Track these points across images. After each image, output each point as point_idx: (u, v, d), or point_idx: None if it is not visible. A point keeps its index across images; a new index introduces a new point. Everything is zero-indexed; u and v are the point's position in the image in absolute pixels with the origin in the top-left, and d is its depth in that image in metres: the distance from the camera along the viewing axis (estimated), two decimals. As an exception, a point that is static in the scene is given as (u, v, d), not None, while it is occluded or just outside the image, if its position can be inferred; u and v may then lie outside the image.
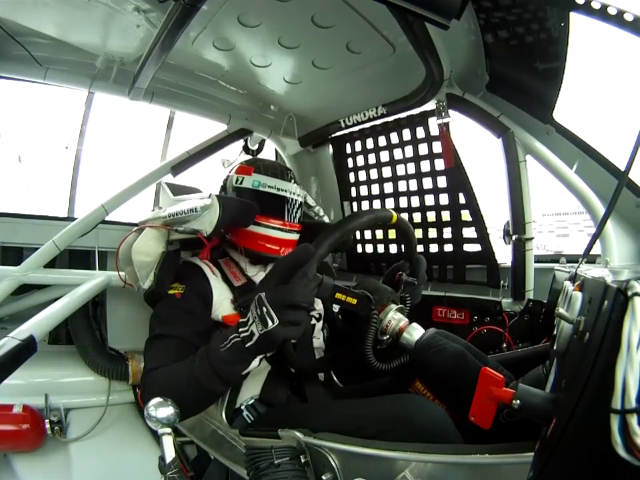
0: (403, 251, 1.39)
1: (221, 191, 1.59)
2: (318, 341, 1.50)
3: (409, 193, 2.00)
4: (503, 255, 1.78)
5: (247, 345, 0.98)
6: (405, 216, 1.29)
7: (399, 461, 0.84)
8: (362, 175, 2.20)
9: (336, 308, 1.62)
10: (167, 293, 1.33)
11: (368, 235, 2.25)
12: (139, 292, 1.42)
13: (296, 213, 1.52)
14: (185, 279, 1.35)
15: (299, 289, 0.97)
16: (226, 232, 1.48)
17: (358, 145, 2.16)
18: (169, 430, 1.14)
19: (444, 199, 1.90)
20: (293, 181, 1.54)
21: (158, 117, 2.42)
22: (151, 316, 1.31)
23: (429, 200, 1.95)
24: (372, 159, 2.11)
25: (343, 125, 1.99)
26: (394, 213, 1.23)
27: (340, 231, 1.12)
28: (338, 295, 1.12)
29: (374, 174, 2.14)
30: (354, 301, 1.14)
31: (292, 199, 1.51)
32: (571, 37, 1.20)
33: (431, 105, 1.69)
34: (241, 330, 1.00)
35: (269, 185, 1.48)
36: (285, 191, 1.49)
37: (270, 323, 0.94)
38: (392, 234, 2.12)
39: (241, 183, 1.50)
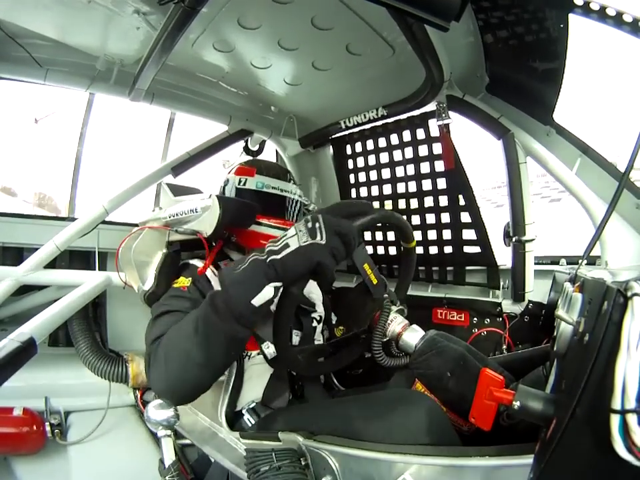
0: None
1: (220, 192, 1.59)
2: (319, 343, 1.51)
3: (408, 195, 2.00)
4: (504, 256, 1.78)
5: (269, 259, 0.91)
6: (404, 217, 1.31)
7: (399, 464, 0.84)
8: (362, 176, 2.19)
9: (333, 319, 1.63)
10: (172, 287, 1.33)
11: (368, 236, 2.25)
12: (139, 293, 1.42)
13: (297, 212, 1.54)
14: (189, 277, 1.35)
15: (354, 227, 0.96)
16: (230, 234, 1.48)
17: (358, 146, 2.15)
18: (169, 432, 1.14)
19: (444, 200, 1.89)
20: (292, 182, 1.57)
21: (159, 118, 2.43)
22: (153, 306, 1.31)
23: (429, 201, 1.94)
24: (372, 160, 2.11)
25: (343, 126, 1.99)
26: (414, 240, 1.28)
27: (389, 214, 1.19)
28: (365, 266, 1.11)
29: (374, 175, 2.13)
30: (375, 281, 1.12)
31: (294, 200, 1.53)
32: (570, 38, 1.20)
33: (431, 107, 1.69)
34: (269, 246, 0.94)
35: (273, 186, 1.50)
36: (288, 191, 1.52)
37: (318, 237, 0.90)
38: (391, 236, 2.12)
39: (244, 185, 1.51)
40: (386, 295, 1.17)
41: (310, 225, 0.93)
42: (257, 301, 0.91)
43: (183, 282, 1.32)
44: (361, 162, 2.18)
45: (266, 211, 1.45)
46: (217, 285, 1.35)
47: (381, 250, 2.20)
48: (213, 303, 0.95)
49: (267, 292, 0.92)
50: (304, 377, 1.38)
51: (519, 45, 1.34)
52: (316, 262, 0.90)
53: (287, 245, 0.91)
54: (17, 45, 1.51)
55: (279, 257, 0.90)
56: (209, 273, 1.37)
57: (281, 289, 0.96)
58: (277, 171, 1.57)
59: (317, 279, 0.96)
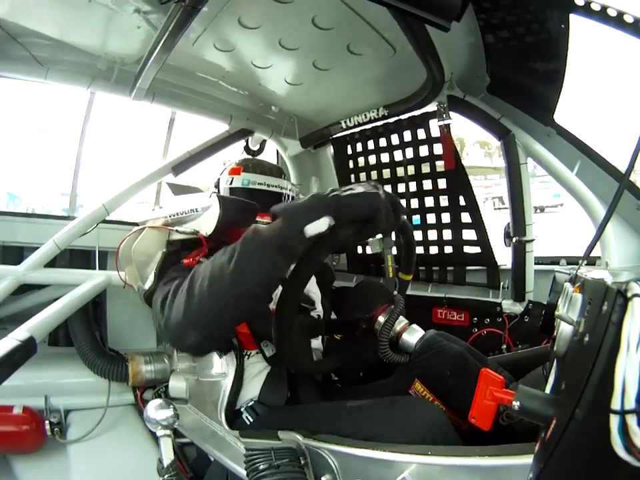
0: (402, 254, 1.40)
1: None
2: (316, 342, 1.50)
3: (409, 195, 2.00)
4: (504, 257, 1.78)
5: (331, 195, 0.91)
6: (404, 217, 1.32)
7: (399, 463, 0.84)
8: (363, 176, 2.20)
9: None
10: (179, 265, 1.32)
11: (368, 236, 2.24)
12: (139, 292, 1.42)
13: None
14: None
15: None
16: (222, 234, 1.47)
17: (359, 146, 2.16)
18: (168, 432, 1.14)
19: (444, 200, 1.90)
20: (282, 177, 1.57)
21: (159, 117, 2.43)
22: (158, 290, 1.26)
23: (429, 201, 1.95)
24: (372, 160, 2.12)
25: (343, 126, 1.99)
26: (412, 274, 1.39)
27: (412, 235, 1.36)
28: (389, 257, 1.15)
29: (374, 175, 2.14)
30: (391, 274, 1.15)
31: (284, 194, 1.54)
32: (571, 38, 1.20)
33: (431, 107, 1.69)
34: (332, 188, 0.95)
35: (259, 182, 1.51)
36: (276, 186, 1.53)
37: (381, 192, 0.94)
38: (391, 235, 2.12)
39: (231, 183, 1.53)
40: (395, 292, 1.18)
41: (372, 183, 0.97)
42: (310, 229, 0.88)
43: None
44: (361, 162, 2.18)
45: (260, 208, 1.45)
46: None
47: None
48: (256, 231, 0.92)
49: (322, 223, 0.88)
50: (300, 375, 1.37)
51: (519, 46, 1.34)
52: (376, 208, 0.91)
53: (352, 189, 0.93)
54: (18, 43, 1.51)
55: (342, 194, 0.91)
56: None
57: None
58: (264, 167, 1.59)
59: (366, 230, 0.95)
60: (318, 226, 0.88)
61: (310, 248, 0.92)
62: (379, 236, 1.14)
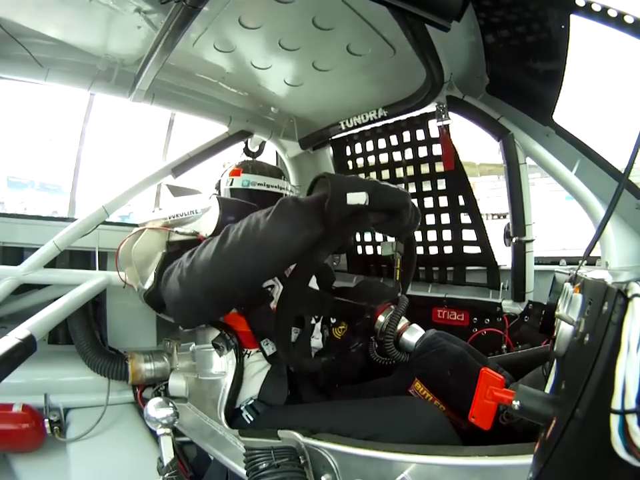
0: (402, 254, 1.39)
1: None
2: (317, 341, 1.50)
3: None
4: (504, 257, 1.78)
5: (372, 180, 1.03)
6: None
7: (399, 463, 0.84)
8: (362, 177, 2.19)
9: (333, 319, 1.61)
10: None
11: (368, 236, 2.25)
12: (139, 292, 1.42)
13: None
14: None
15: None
16: None
17: (358, 147, 2.16)
18: (168, 430, 1.15)
19: (443, 201, 1.90)
20: (282, 177, 1.58)
21: (159, 118, 2.43)
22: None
23: (429, 202, 1.95)
24: (372, 160, 2.12)
25: (343, 127, 1.99)
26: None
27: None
28: (399, 261, 1.25)
29: (374, 176, 2.14)
30: (398, 277, 1.27)
31: (284, 195, 1.54)
32: (571, 38, 1.20)
33: (431, 108, 1.69)
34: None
35: (259, 183, 1.53)
36: (275, 187, 1.54)
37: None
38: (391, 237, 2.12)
39: (231, 184, 1.54)
40: (399, 294, 1.19)
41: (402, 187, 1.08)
42: (351, 198, 0.95)
43: None
44: (360, 163, 2.18)
45: (259, 209, 1.45)
46: None
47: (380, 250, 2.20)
48: (295, 197, 1.00)
49: (361, 195, 0.96)
50: (300, 374, 1.37)
51: (519, 46, 1.34)
52: (405, 203, 1.01)
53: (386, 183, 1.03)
54: (18, 44, 1.51)
55: (382, 183, 1.01)
56: None
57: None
58: (263, 168, 1.60)
59: (392, 222, 1.02)
60: (358, 196, 0.95)
61: (338, 223, 0.96)
62: (392, 240, 1.26)
